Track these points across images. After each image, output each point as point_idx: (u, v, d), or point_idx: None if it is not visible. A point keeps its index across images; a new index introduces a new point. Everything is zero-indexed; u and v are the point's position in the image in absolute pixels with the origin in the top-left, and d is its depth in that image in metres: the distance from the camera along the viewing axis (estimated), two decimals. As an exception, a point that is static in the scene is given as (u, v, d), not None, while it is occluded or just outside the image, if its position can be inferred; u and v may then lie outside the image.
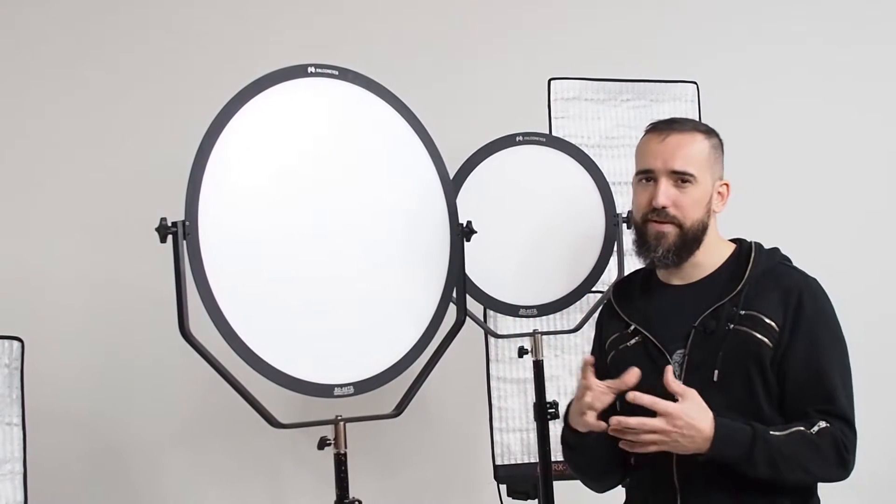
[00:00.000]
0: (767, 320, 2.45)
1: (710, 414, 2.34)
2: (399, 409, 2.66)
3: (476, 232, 2.74)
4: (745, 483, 2.38)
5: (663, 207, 2.53)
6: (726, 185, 2.62)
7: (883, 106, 4.49)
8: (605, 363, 2.67)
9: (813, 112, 4.43)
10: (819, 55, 4.48)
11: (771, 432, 2.35)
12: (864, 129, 4.46)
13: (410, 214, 2.68)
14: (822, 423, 2.38)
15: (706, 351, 2.47)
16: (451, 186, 2.77)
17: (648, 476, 2.58)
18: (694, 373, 2.46)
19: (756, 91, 4.39)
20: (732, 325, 2.46)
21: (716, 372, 2.44)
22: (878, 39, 4.51)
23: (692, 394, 2.35)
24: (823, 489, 2.55)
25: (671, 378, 2.36)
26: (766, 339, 2.44)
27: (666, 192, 2.53)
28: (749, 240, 2.65)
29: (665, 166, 2.54)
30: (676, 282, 2.62)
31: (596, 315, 2.85)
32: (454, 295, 2.74)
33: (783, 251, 2.65)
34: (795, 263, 2.63)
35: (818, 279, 2.58)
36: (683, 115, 3.67)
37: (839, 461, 2.39)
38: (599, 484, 2.79)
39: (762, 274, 2.53)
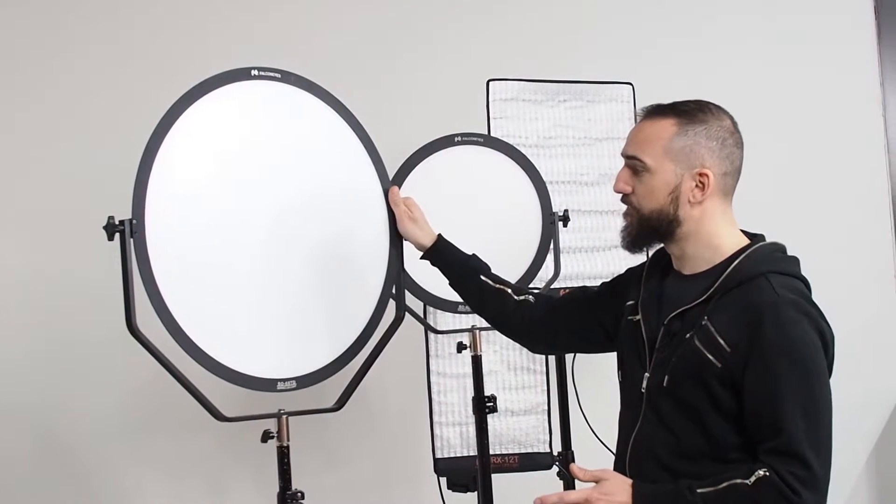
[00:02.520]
0: (720, 339, 2.30)
1: (627, 486, 2.31)
2: (340, 403, 2.70)
3: None
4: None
5: (620, 192, 2.47)
6: (706, 174, 2.39)
7: (818, 101, 4.58)
8: (615, 314, 2.64)
9: (748, 109, 4.49)
10: (753, 53, 4.57)
11: (699, 490, 2.25)
12: (801, 124, 4.57)
13: (351, 213, 2.74)
14: (761, 472, 2.22)
15: (667, 353, 2.39)
16: (391, 186, 2.83)
17: (616, 464, 2.55)
18: (656, 371, 2.42)
19: (691, 91, 4.45)
20: (689, 335, 2.35)
21: (666, 377, 2.37)
22: (813, 38, 4.63)
23: (606, 474, 2.33)
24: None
25: (577, 471, 2.35)
26: (713, 359, 2.29)
27: (622, 178, 2.45)
28: (767, 241, 2.47)
29: (624, 151, 2.47)
30: (678, 269, 2.50)
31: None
32: (394, 291, 2.79)
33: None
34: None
35: (804, 291, 2.40)
36: (619, 116, 3.75)
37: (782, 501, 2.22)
38: (498, 329, 2.92)
39: (739, 284, 2.35)
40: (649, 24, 4.53)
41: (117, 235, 2.37)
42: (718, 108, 2.48)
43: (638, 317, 2.52)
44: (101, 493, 4.01)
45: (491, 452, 3.33)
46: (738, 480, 2.24)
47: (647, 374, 2.45)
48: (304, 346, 2.65)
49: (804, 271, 2.45)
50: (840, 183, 4.54)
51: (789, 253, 2.48)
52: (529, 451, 3.58)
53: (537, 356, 3.63)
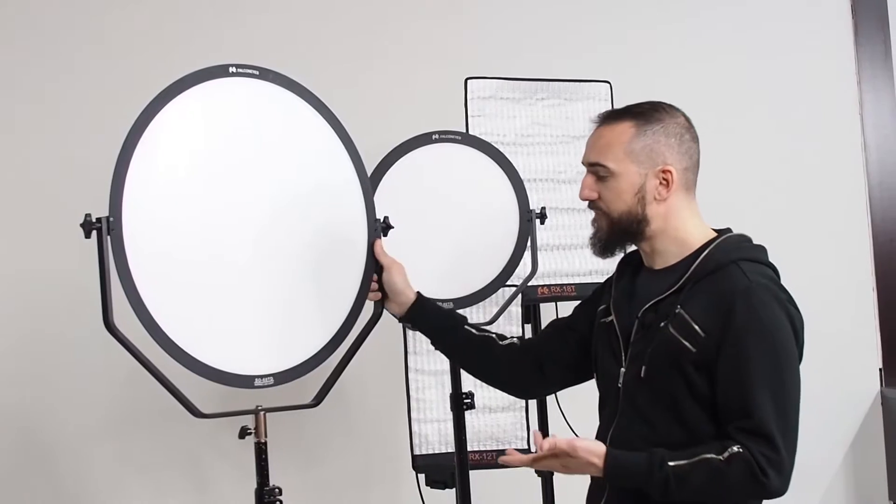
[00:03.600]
0: (695, 325, 2.35)
1: (601, 450, 2.33)
2: (318, 400, 2.71)
3: (393, 227, 2.84)
4: None
5: (587, 200, 2.53)
6: (669, 171, 2.46)
7: (795, 100, 4.60)
8: (590, 322, 2.69)
9: (724, 108, 4.53)
10: (730, 52, 4.59)
11: (670, 463, 2.29)
12: (778, 122, 4.58)
13: (329, 209, 2.76)
14: (735, 448, 2.27)
15: (642, 345, 2.44)
16: (369, 183, 2.85)
17: None
18: (632, 364, 2.46)
19: (668, 89, 4.47)
20: (663, 324, 2.40)
21: (643, 368, 2.42)
22: (790, 37, 4.64)
23: (579, 442, 2.33)
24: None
25: (542, 443, 2.36)
26: (688, 345, 2.35)
27: (587, 186, 2.51)
28: (734, 232, 2.54)
29: (585, 160, 2.53)
30: (648, 266, 2.56)
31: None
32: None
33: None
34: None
35: (774, 278, 2.46)
36: (596, 114, 3.77)
37: (753, 485, 2.28)
38: (491, 385, 2.98)
39: (710, 272, 2.41)
40: (627, 23, 4.54)
41: (94, 233, 2.39)
42: (671, 106, 2.56)
43: (610, 317, 2.57)
44: (79, 491, 4.01)
45: (469, 449, 3.35)
46: (712, 455, 2.29)
47: (622, 369, 2.49)
48: (282, 342, 2.66)
49: (783, 271, 2.48)
50: (817, 182, 4.56)
51: (772, 251, 2.54)
52: (507, 447, 3.58)
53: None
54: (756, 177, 4.50)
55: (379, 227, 2.84)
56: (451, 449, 3.35)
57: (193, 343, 2.50)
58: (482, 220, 3.25)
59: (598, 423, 2.62)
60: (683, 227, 2.49)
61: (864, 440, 4.52)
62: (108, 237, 2.38)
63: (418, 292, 2.85)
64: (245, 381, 2.57)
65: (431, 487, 3.60)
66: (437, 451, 3.58)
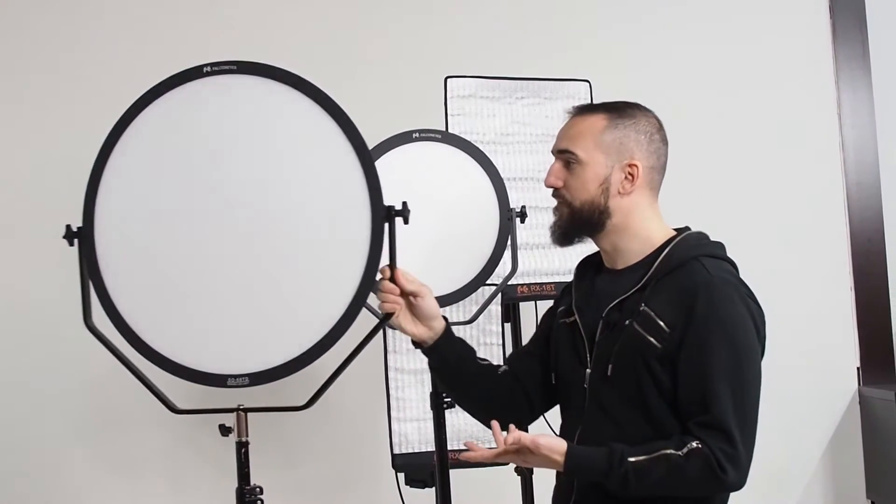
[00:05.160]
0: (659, 321, 2.39)
1: (562, 446, 2.36)
2: (310, 403, 2.64)
3: (409, 212, 2.58)
4: None
5: (552, 188, 2.57)
6: (635, 165, 2.51)
7: (773, 99, 4.61)
8: (549, 327, 2.73)
9: (702, 107, 4.54)
10: (708, 52, 4.60)
11: (630, 459, 2.32)
12: (756, 122, 4.60)
13: (319, 203, 2.64)
14: (694, 444, 2.31)
15: (608, 344, 2.47)
16: (375, 171, 2.61)
17: None
18: (598, 364, 2.49)
19: (647, 87, 4.49)
20: (628, 322, 2.43)
21: (609, 367, 2.45)
22: (768, 36, 4.65)
23: (540, 439, 2.36)
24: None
25: (501, 437, 2.40)
26: (654, 341, 2.39)
27: (553, 172, 2.56)
28: (693, 230, 2.59)
29: (556, 147, 2.58)
30: (609, 266, 2.60)
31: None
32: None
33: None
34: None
35: (735, 273, 2.53)
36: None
37: (711, 480, 2.32)
38: (484, 419, 2.80)
39: (672, 269, 2.45)
40: (607, 21, 4.56)
41: (76, 241, 2.46)
42: (645, 107, 2.61)
43: (573, 318, 2.59)
44: (56, 491, 4.00)
45: (449, 448, 3.34)
46: (671, 451, 2.33)
47: (588, 370, 2.51)
48: (261, 343, 2.60)
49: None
50: (795, 181, 4.57)
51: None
52: (487, 446, 3.58)
53: (494, 352, 3.64)
54: (734, 176, 4.52)
55: (392, 215, 2.55)
56: (431, 448, 3.34)
57: (162, 340, 2.52)
58: (462, 219, 3.24)
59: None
60: (645, 225, 2.54)
61: (842, 439, 4.54)
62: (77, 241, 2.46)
63: (445, 317, 2.77)
64: (217, 380, 2.56)
65: (411, 486, 3.60)
66: (416, 451, 3.59)
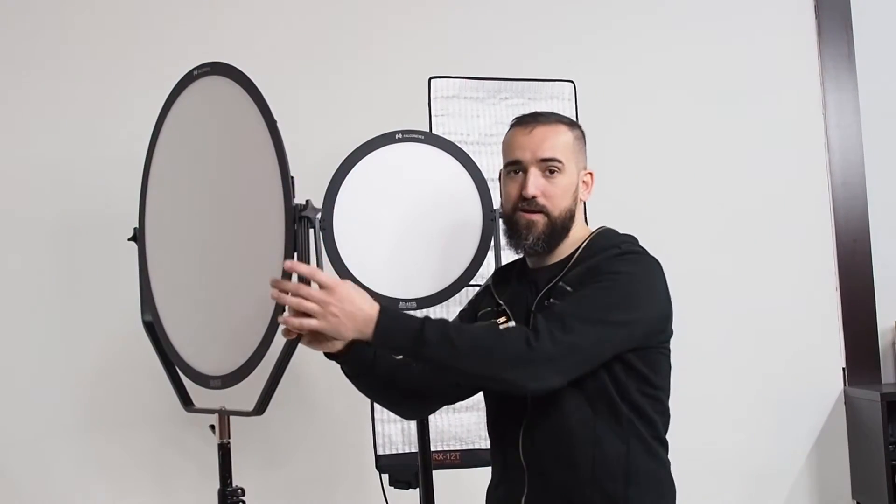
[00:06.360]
0: (568, 287, 2.51)
1: (375, 303, 2.32)
2: (260, 408, 2.57)
3: (319, 211, 2.46)
4: (586, 460, 2.45)
5: (533, 197, 2.58)
6: (590, 174, 2.68)
7: (759, 100, 4.61)
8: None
9: (688, 107, 4.54)
10: (692, 53, 4.60)
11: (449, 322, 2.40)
12: (741, 122, 4.59)
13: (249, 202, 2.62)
14: (513, 324, 2.49)
15: None
16: (287, 169, 2.47)
17: (500, 457, 2.67)
18: None
19: (632, 88, 4.50)
20: (548, 302, 2.53)
21: None
22: (753, 37, 4.65)
23: (344, 284, 2.30)
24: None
25: (300, 267, 2.30)
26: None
27: (535, 182, 2.59)
28: (610, 228, 2.69)
29: (534, 156, 2.60)
30: (536, 266, 2.67)
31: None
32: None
33: (649, 241, 2.68)
34: (663, 253, 2.65)
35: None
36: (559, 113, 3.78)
37: (523, 345, 2.33)
38: (394, 410, 2.86)
39: (591, 256, 2.56)
40: (592, 22, 4.56)
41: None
42: None
43: (503, 319, 2.63)
44: (39, 491, 3.99)
45: (433, 449, 3.36)
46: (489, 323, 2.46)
47: None
48: (228, 344, 2.60)
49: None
50: (781, 182, 4.58)
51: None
52: (471, 447, 3.58)
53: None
54: (719, 177, 4.52)
55: (298, 213, 2.40)
56: (415, 449, 3.35)
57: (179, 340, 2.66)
58: (445, 220, 3.24)
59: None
60: (581, 225, 2.69)
61: (827, 439, 4.54)
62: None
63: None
64: (203, 380, 2.57)
65: (395, 487, 3.60)
66: (400, 452, 3.58)
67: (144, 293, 2.77)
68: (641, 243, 2.66)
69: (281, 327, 2.33)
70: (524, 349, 2.33)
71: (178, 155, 2.65)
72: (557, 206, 2.59)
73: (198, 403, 2.69)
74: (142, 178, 2.69)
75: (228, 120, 2.61)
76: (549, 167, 2.59)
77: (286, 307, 2.30)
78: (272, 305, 2.40)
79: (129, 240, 2.67)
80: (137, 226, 2.66)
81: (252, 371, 2.52)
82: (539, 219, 2.59)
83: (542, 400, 2.51)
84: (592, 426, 2.47)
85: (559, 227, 2.60)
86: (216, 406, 2.67)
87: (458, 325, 2.42)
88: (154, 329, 2.75)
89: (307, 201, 2.36)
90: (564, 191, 2.60)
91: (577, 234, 2.64)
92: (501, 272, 2.81)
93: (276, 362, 2.50)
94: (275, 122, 2.42)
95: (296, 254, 2.36)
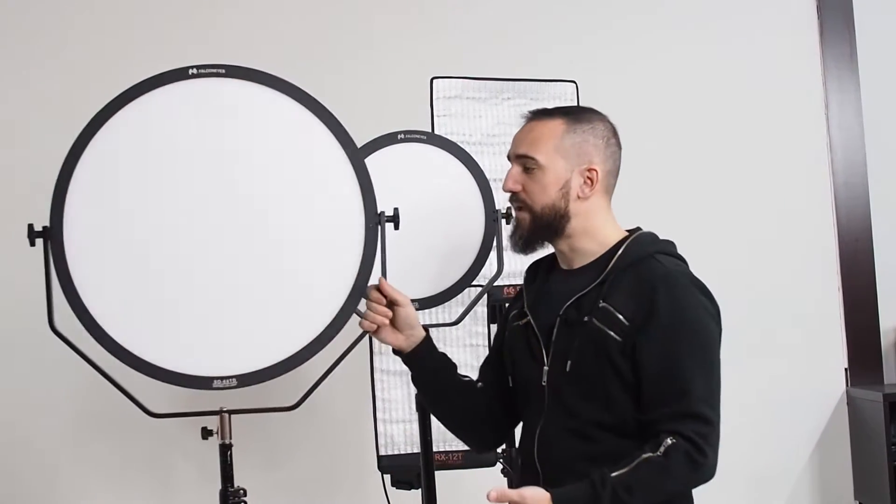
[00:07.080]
0: (619, 315, 2.43)
1: (546, 493, 2.33)
2: (297, 404, 2.70)
3: (398, 219, 2.71)
4: (600, 464, 2.39)
5: (512, 192, 2.59)
6: (594, 170, 2.56)
7: (761, 98, 4.62)
8: (503, 332, 2.78)
9: (690, 106, 4.54)
10: (696, 52, 4.61)
11: (613, 474, 2.31)
12: (743, 121, 4.60)
13: (312, 205, 2.69)
14: (669, 440, 2.32)
15: (566, 341, 2.50)
16: (368, 176, 2.73)
17: (517, 459, 2.69)
18: (556, 361, 2.52)
19: (634, 89, 4.49)
20: (587, 318, 2.47)
21: (568, 363, 2.48)
22: (756, 36, 4.66)
23: (526, 491, 2.32)
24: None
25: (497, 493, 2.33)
26: (613, 334, 2.42)
27: (512, 177, 2.59)
28: (644, 230, 2.63)
29: (514, 151, 2.61)
30: (565, 267, 2.63)
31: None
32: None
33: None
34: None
35: (688, 268, 2.56)
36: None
37: (693, 469, 2.34)
38: (466, 436, 2.89)
39: (629, 265, 2.49)
40: (594, 22, 4.57)
41: (39, 241, 2.46)
42: (601, 112, 2.66)
43: (526, 319, 2.63)
44: (42, 494, 3.99)
45: (435, 450, 3.33)
46: (648, 454, 2.33)
47: (545, 368, 2.55)
48: (249, 344, 2.61)
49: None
50: (783, 182, 4.58)
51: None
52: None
53: (480, 354, 3.63)
54: (721, 177, 4.52)
55: (383, 220, 2.70)
56: (417, 449, 3.34)
57: (143, 345, 2.52)
58: (448, 220, 3.23)
59: None
60: (602, 226, 2.59)
61: (830, 440, 4.54)
62: (48, 244, 2.46)
63: (426, 327, 2.77)
64: (203, 383, 2.55)
65: (397, 488, 3.59)
66: (402, 452, 3.58)
67: (53, 300, 2.56)
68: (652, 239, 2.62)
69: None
70: (699, 471, 2.35)
71: (165, 150, 2.59)
72: (538, 202, 2.56)
73: (192, 406, 2.67)
74: (61, 171, 2.54)
75: (254, 124, 2.67)
76: (525, 163, 2.58)
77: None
78: (335, 303, 2.62)
79: (30, 237, 2.54)
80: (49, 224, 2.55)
81: (290, 370, 2.61)
82: (523, 216, 2.60)
83: (556, 409, 2.52)
84: (609, 436, 2.46)
85: (543, 226, 2.57)
86: (215, 407, 2.66)
87: (622, 481, 2.31)
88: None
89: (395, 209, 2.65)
90: (544, 187, 2.55)
91: (607, 235, 2.58)
92: (534, 267, 2.76)
93: (335, 361, 2.70)
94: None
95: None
